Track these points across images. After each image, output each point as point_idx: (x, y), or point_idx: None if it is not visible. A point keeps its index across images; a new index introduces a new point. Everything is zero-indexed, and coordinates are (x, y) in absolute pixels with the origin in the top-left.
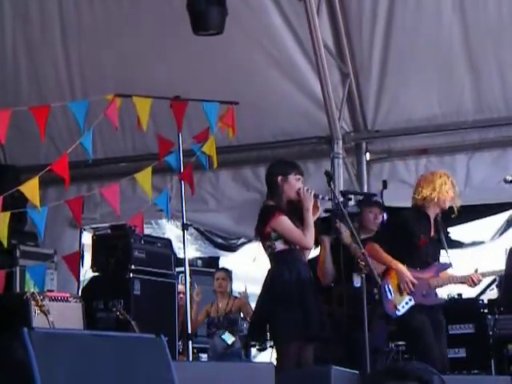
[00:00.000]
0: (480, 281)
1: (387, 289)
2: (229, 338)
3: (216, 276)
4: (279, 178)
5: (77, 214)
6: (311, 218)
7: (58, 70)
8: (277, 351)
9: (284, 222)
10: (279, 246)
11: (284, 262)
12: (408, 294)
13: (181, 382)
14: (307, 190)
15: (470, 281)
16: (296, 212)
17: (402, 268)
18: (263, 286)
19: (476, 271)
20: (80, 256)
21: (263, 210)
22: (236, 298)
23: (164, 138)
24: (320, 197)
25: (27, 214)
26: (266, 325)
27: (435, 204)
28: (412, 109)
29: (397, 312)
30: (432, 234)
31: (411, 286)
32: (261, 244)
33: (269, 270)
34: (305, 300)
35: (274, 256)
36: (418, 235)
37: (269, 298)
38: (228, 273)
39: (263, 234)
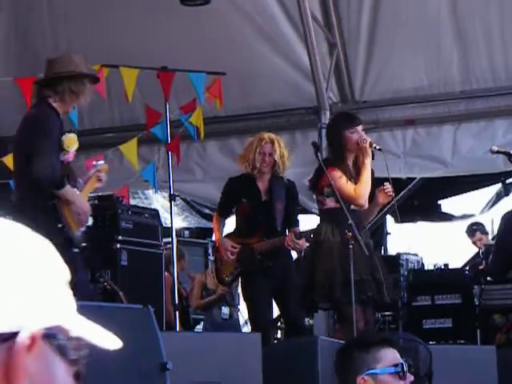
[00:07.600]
0: (294, 242)
1: None
2: (228, 313)
3: None
4: (335, 133)
5: None
6: (368, 173)
7: (45, 40)
8: (338, 315)
9: (334, 176)
10: (330, 203)
11: (328, 221)
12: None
13: (168, 353)
14: (364, 139)
15: (288, 242)
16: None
17: (221, 240)
18: (310, 245)
19: (294, 232)
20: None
21: (319, 165)
22: None
23: (152, 109)
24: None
25: (10, 186)
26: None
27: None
28: (399, 79)
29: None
30: (264, 197)
31: (230, 254)
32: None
33: (316, 227)
34: (346, 264)
35: (321, 213)
36: (238, 200)
37: (311, 259)
38: None
39: (316, 187)
